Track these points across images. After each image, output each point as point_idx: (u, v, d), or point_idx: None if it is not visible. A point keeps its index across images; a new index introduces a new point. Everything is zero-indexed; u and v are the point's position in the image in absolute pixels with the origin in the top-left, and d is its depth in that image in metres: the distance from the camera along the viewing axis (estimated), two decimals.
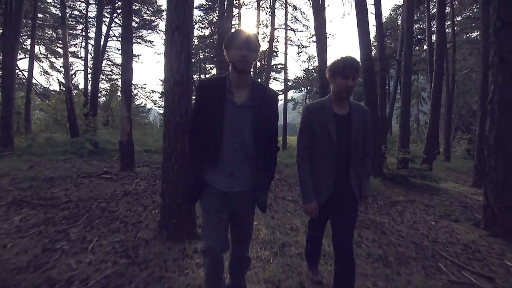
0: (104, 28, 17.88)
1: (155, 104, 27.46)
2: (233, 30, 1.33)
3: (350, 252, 1.82)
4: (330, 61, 1.87)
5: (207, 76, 28.40)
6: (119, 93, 28.53)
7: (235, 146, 1.58)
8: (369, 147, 1.94)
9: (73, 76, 22.73)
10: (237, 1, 20.82)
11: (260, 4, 21.53)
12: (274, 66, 27.57)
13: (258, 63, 26.74)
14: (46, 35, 20.30)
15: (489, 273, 2.78)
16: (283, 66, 25.44)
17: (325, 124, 1.80)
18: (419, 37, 22.78)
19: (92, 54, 17.84)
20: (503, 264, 3.01)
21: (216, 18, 21.85)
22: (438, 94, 10.00)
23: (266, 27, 22.34)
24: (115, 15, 19.19)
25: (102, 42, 17.61)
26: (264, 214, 3.86)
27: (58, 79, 31.50)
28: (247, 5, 22.37)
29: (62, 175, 5.36)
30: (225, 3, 13.79)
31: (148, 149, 10.04)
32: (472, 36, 22.92)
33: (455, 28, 19.16)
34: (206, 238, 1.66)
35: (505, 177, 3.62)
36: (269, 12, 21.17)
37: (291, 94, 32.28)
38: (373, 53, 8.42)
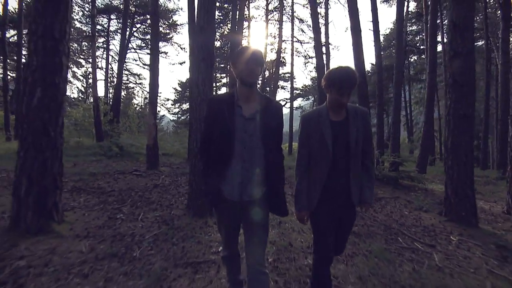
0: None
1: (169, 111, 28.88)
2: (240, 47, 1.72)
3: (330, 255, 1.93)
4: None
5: (217, 84, 29.71)
6: (134, 101, 30.13)
7: (244, 156, 1.63)
8: (371, 152, 1.92)
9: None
10: (247, 15, 22.15)
11: (268, 17, 22.81)
12: (282, 75, 28.71)
13: (267, 73, 27.92)
14: (71, 47, 21.97)
15: (433, 243, 3.72)
16: (291, 75, 26.55)
17: (321, 132, 1.79)
18: (422, 47, 23.53)
19: (112, 65, 19.38)
20: (447, 238, 3.94)
21: (228, 30, 23.23)
22: (431, 103, 10.86)
23: (274, 38, 23.57)
24: (134, 29, 20.70)
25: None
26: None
27: (77, 88, 33.44)
28: (256, 18, 23.72)
29: (101, 171, 6.51)
30: (237, 17, 15.07)
31: (166, 153, 11.20)
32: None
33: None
34: (223, 246, 1.96)
35: (458, 175, 4.55)
36: (277, 24, 22.41)
37: (299, 102, 33.24)
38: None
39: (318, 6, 21.21)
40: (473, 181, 4.68)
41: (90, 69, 22.34)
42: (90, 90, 25.69)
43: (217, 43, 26.03)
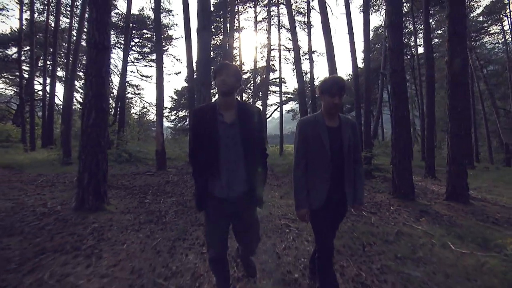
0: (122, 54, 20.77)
1: (167, 119, 30.17)
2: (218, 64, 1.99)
3: (332, 249, 2.04)
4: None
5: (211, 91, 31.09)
6: (133, 110, 31.36)
7: (229, 158, 1.81)
8: (360, 155, 2.10)
9: None
10: (238, 26, 23.69)
11: (257, 27, 24.37)
12: (273, 80, 30.23)
13: (258, 78, 29.45)
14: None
15: (375, 211, 5.14)
16: (282, 79, 28.09)
17: (319, 136, 1.94)
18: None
19: (110, 77, 20.71)
20: (388, 208, 5.37)
21: (220, 41, 24.70)
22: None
23: (264, 47, 25.13)
24: (132, 43, 22.07)
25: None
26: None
27: (76, 99, 34.56)
28: (246, 28, 25.24)
29: (119, 173, 7.86)
30: (228, 28, 16.56)
31: (169, 157, 12.51)
32: None
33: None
34: (210, 248, 1.92)
35: (399, 162, 6.01)
36: (266, 34, 23.96)
37: (290, 105, 34.72)
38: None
39: (302, 16, 22.86)
40: (411, 166, 6.14)
41: None
42: None
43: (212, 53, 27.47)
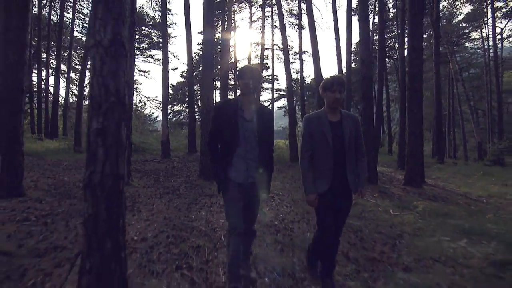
0: None
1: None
2: (242, 67, 2.25)
3: (339, 234, 2.30)
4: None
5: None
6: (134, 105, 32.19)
7: (247, 148, 2.11)
8: (363, 149, 2.29)
9: None
10: (233, 25, 24.76)
11: (252, 26, 25.47)
12: (266, 77, 31.42)
13: None
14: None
15: None
16: (275, 77, 29.38)
17: (322, 130, 2.16)
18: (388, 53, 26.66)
19: None
20: None
21: (217, 38, 25.69)
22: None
23: (257, 46, 26.27)
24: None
25: None
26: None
27: (71, 92, 35.07)
28: (240, 27, 26.25)
29: (131, 160, 9.05)
30: (225, 26, 17.70)
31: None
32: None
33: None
34: (230, 221, 2.15)
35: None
36: (260, 33, 25.08)
37: (283, 102, 35.97)
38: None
39: (295, 17, 24.03)
40: (377, 158, 7.53)
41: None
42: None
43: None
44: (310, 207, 2.31)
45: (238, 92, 2.30)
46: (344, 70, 13.75)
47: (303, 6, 20.87)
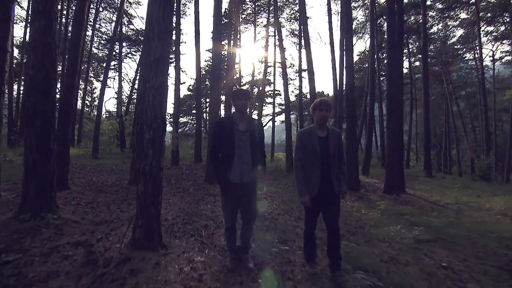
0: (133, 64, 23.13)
1: (170, 124, 32.42)
2: (235, 89, 2.64)
3: (337, 229, 2.67)
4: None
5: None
6: None
7: (242, 155, 2.63)
8: (343, 157, 2.74)
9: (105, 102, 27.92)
10: (239, 43, 26.39)
11: (256, 45, 27.10)
12: (269, 92, 32.86)
13: (256, 90, 32.00)
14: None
15: None
16: (277, 92, 30.78)
17: (312, 144, 2.62)
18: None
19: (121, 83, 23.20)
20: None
21: (223, 55, 27.33)
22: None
23: (261, 63, 27.82)
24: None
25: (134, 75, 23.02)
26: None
27: (86, 103, 36.88)
28: (245, 46, 27.90)
29: None
30: (231, 44, 19.10)
31: None
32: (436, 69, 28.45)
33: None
34: (226, 219, 2.77)
35: (349, 164, 8.49)
36: (264, 51, 26.66)
37: (284, 116, 37.21)
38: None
39: (296, 37, 25.59)
40: (357, 169, 8.61)
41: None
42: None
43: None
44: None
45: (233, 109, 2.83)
46: (343, 87, 15.05)
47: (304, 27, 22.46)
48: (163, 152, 3.29)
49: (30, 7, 8.50)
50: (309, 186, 2.59)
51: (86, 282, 2.29)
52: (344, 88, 12.11)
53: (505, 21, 21.29)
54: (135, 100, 24.85)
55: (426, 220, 5.03)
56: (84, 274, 2.41)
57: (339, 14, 16.63)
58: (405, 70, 28.39)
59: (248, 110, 2.85)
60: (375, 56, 15.80)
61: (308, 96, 29.40)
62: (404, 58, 25.83)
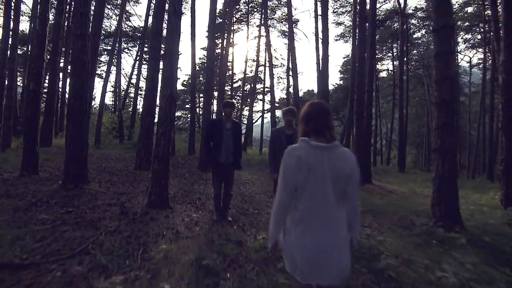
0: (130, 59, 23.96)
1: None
2: (223, 102, 3.98)
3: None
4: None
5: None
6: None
7: (227, 145, 3.99)
8: None
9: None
10: (232, 42, 27.54)
11: (248, 44, 28.24)
12: (260, 90, 34.13)
13: (248, 87, 33.22)
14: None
15: None
16: (267, 89, 32.01)
17: (281, 140, 3.50)
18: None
19: (121, 80, 24.18)
20: None
21: (217, 53, 28.43)
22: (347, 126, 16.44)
23: (253, 61, 29.05)
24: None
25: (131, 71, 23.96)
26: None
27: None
28: (238, 44, 28.91)
29: None
30: (224, 43, 20.25)
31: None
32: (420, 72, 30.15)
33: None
34: (215, 188, 4.11)
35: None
36: (255, 52, 27.89)
37: (277, 113, 38.59)
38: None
39: (286, 38, 26.85)
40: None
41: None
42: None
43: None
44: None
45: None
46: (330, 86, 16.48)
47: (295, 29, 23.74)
48: (171, 142, 4.64)
49: (71, 31, 10.35)
50: (277, 168, 3.89)
51: (124, 222, 3.65)
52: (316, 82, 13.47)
53: (481, 30, 22.94)
54: (132, 94, 25.88)
55: (370, 200, 6.50)
56: (122, 218, 3.77)
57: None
58: (390, 73, 30.12)
59: (232, 114, 4.23)
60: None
61: (301, 94, 30.99)
62: (389, 61, 27.56)
